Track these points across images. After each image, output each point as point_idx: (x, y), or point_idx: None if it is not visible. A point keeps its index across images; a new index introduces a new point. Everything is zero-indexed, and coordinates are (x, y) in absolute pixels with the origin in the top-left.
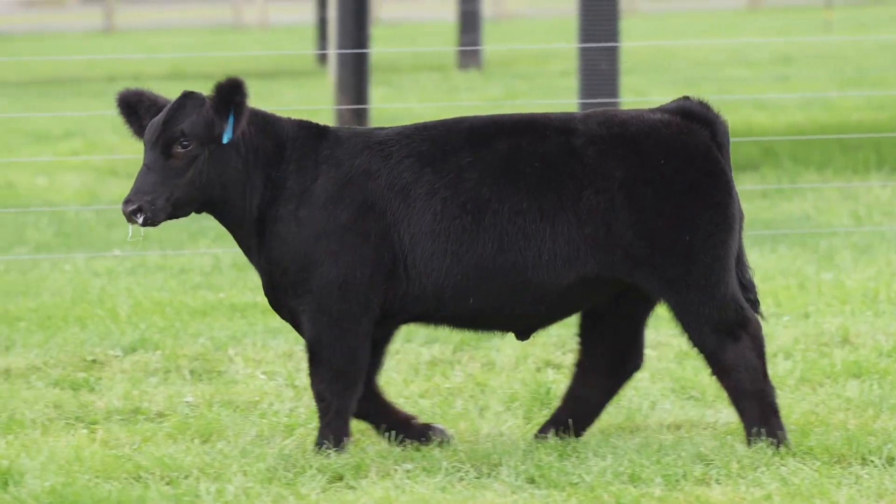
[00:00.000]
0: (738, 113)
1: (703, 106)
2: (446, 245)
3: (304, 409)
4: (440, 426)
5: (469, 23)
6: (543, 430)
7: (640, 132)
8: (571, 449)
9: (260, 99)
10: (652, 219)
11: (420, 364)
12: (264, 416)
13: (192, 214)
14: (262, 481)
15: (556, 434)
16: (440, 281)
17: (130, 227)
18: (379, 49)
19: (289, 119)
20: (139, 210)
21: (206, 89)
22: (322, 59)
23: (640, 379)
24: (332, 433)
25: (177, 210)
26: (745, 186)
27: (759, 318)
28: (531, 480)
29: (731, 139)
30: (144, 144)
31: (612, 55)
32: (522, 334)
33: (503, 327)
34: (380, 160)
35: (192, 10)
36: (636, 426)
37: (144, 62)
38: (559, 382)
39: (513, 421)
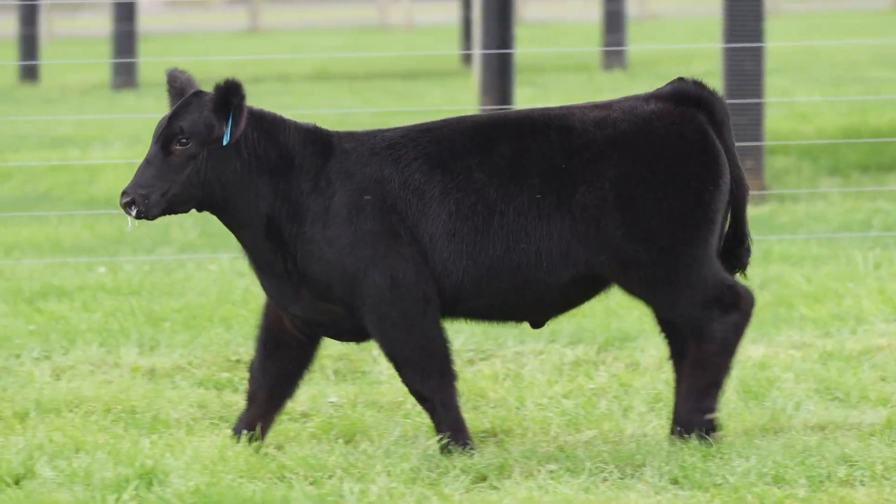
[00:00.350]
0: (883, 114)
1: (699, 86)
2: (462, 246)
3: None
4: None
5: (614, 23)
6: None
7: (631, 129)
8: (715, 450)
9: (405, 99)
10: (640, 219)
11: (564, 364)
12: (408, 417)
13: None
14: (405, 481)
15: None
16: (458, 280)
17: (128, 218)
18: (523, 49)
19: (295, 125)
20: (133, 203)
21: (350, 90)
22: (466, 59)
23: (784, 380)
24: (449, 428)
25: (173, 206)
26: (890, 187)
27: (749, 290)
28: (675, 481)
29: (878, 139)
30: (152, 137)
31: (756, 55)
32: (536, 324)
33: (517, 320)
34: (390, 165)
35: (337, 11)
36: (780, 427)
37: (289, 63)
38: None
39: (657, 421)
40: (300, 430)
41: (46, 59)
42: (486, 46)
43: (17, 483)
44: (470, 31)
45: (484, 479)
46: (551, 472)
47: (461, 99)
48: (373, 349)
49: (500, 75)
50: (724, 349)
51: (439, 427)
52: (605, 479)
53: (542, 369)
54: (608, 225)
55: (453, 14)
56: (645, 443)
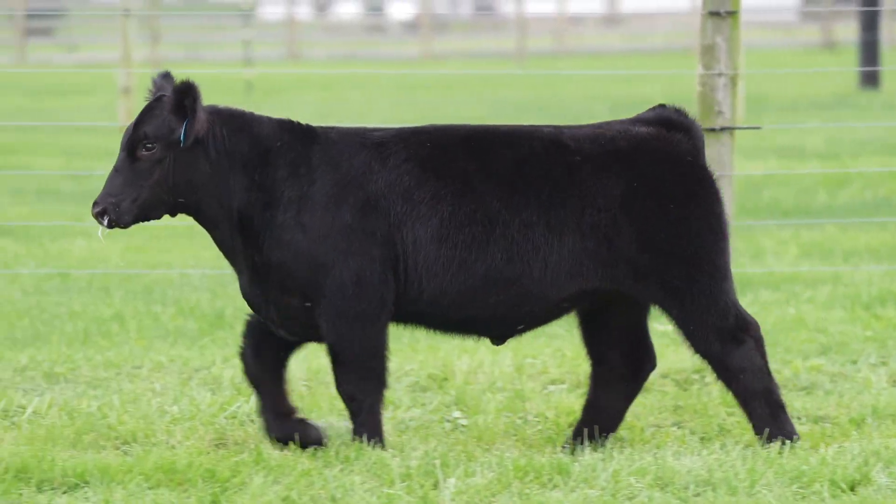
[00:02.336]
0: None
1: (679, 113)
2: (454, 253)
3: None
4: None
5: None
6: (571, 441)
7: (630, 146)
8: None
9: None
10: (654, 231)
11: None
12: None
13: None
14: None
15: (580, 443)
16: (442, 287)
17: (100, 228)
18: None
19: (269, 119)
20: (104, 212)
21: None
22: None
23: None
24: (367, 431)
25: (145, 212)
26: None
27: (754, 319)
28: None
29: None
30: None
31: None
32: (498, 340)
33: (485, 334)
34: (379, 161)
35: None
36: None
37: None
38: None
39: None
40: None
41: (887, 65)
42: None
43: (851, 489)
44: None
45: None
46: None
47: None
48: None
49: None
50: (760, 375)
51: (359, 429)
52: None
53: None
54: (622, 241)
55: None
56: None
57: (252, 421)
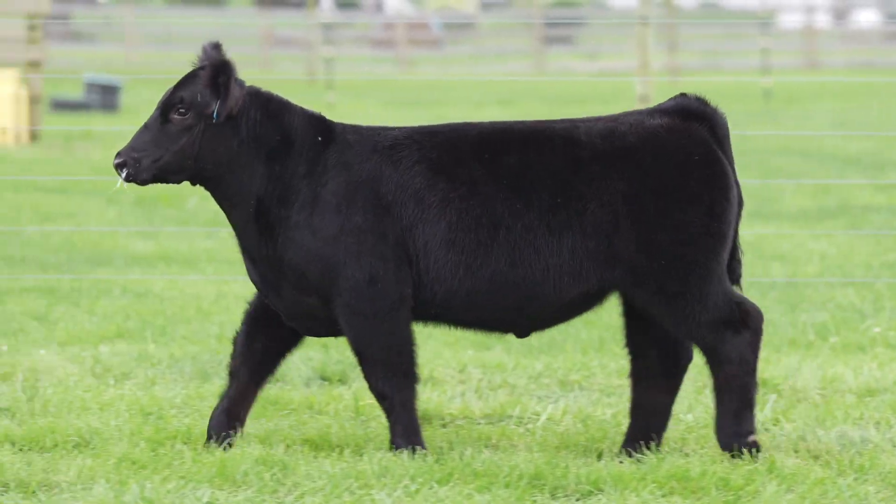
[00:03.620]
0: None
1: (701, 102)
2: (461, 257)
3: None
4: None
5: None
6: (627, 446)
7: (639, 141)
8: None
9: None
10: (653, 232)
11: None
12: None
13: None
14: None
15: (643, 447)
16: (452, 291)
17: (118, 180)
18: None
19: (302, 111)
20: (124, 164)
21: None
22: None
23: None
24: (404, 429)
25: (164, 174)
26: None
27: (756, 306)
28: None
29: None
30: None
31: None
32: (522, 334)
33: (505, 331)
34: (390, 164)
35: None
36: None
37: None
38: None
39: None
40: None
41: None
42: None
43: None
44: None
45: None
46: None
47: None
48: None
49: None
50: (745, 369)
51: (394, 427)
52: None
53: None
54: (620, 240)
55: None
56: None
57: (766, 429)
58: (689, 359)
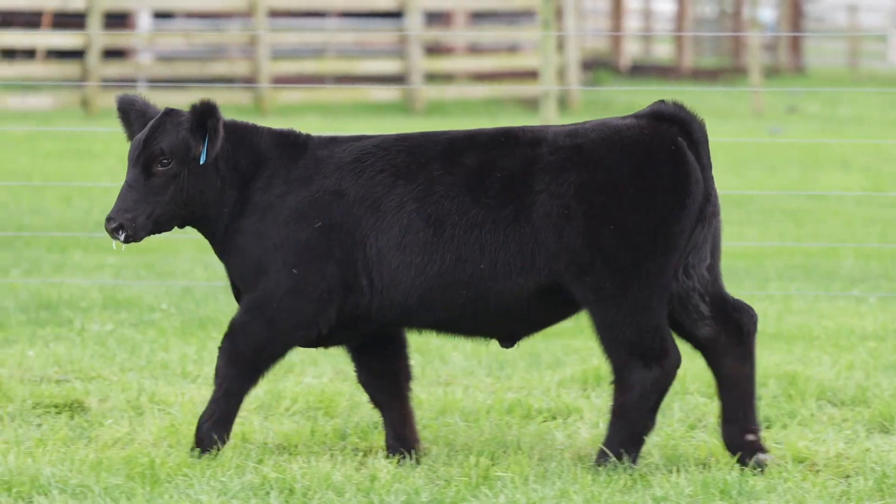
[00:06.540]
0: None
1: (678, 107)
2: (410, 258)
3: None
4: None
5: None
6: (731, 434)
7: (599, 138)
8: None
9: None
10: (599, 227)
11: None
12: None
13: None
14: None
15: (753, 428)
16: (406, 293)
17: (114, 242)
18: None
19: (269, 131)
20: (120, 227)
21: None
22: None
23: None
24: (217, 411)
25: (159, 226)
26: None
27: (678, 350)
28: None
29: None
30: (127, 161)
31: None
32: (506, 342)
33: (482, 335)
34: (351, 178)
35: None
36: None
37: None
38: None
39: None
40: None
41: None
42: None
43: None
44: None
45: None
46: None
47: None
48: None
49: None
50: (642, 403)
51: (211, 406)
52: None
53: None
54: (570, 232)
55: None
56: None
57: None
58: (754, 318)
